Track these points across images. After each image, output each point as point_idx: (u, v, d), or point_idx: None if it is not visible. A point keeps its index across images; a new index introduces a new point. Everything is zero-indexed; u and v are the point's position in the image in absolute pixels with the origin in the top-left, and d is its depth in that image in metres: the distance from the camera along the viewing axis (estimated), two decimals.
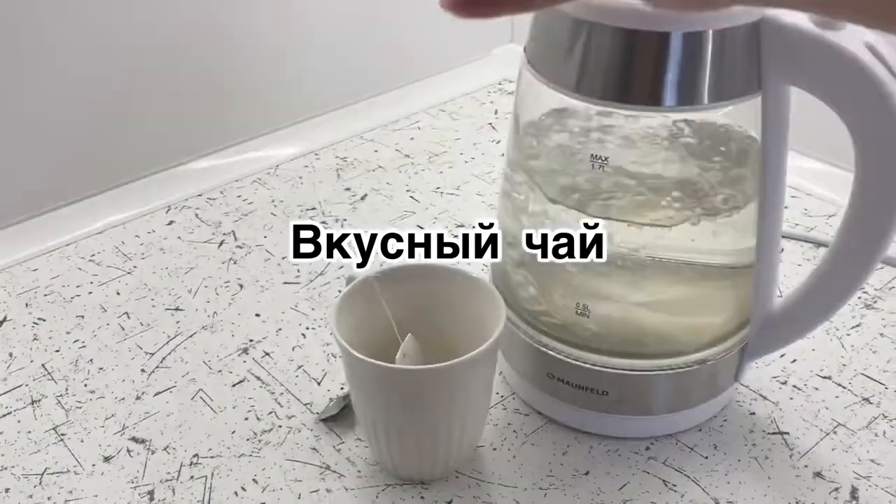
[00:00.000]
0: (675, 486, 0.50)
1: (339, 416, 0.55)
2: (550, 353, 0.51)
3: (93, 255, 0.71)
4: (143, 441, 0.54)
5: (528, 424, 0.54)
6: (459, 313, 0.51)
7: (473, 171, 0.81)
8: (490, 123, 0.88)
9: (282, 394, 0.57)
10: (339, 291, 0.64)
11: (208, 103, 0.81)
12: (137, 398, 0.57)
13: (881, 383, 0.56)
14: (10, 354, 0.61)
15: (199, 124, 0.81)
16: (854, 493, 0.49)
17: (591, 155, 0.46)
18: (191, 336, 0.62)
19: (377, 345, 0.49)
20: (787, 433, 0.53)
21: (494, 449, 0.52)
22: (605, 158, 0.46)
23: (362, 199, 0.77)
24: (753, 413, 0.54)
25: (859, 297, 0.63)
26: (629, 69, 0.42)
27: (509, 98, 0.93)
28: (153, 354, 0.61)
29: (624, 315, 0.50)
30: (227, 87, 0.82)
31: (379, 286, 0.51)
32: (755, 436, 0.53)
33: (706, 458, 0.52)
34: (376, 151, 0.84)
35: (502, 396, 0.56)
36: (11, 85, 0.70)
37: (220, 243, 0.72)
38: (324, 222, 0.74)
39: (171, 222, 0.75)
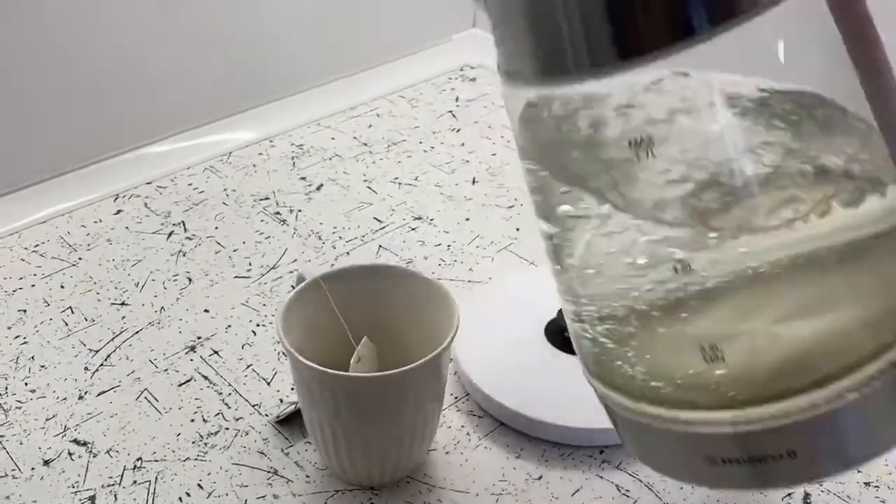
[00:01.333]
0: (628, 491, 0.49)
1: (289, 419, 0.53)
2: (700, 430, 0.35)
3: (36, 245, 0.69)
4: (85, 443, 0.52)
5: (482, 427, 0.53)
6: (414, 317, 0.49)
7: (432, 160, 0.79)
8: (450, 111, 0.87)
9: (230, 394, 0.56)
10: (292, 287, 0.62)
11: (160, 87, 0.79)
12: (80, 398, 0.55)
13: None
14: None
15: (150, 109, 0.78)
16: (807, 498, 0.49)
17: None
18: (137, 332, 0.60)
19: (330, 348, 0.48)
20: None
21: (447, 452, 0.52)
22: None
23: (318, 188, 0.75)
24: None
25: None
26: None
27: (470, 85, 0.91)
28: (97, 352, 0.59)
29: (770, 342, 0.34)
30: (179, 70, 0.80)
31: (328, 287, 0.49)
32: None
33: None
34: (333, 139, 0.83)
35: (456, 398, 0.55)
36: None
37: (170, 234, 0.70)
38: (277, 213, 0.72)
39: (118, 211, 0.73)
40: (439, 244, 0.69)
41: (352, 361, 0.48)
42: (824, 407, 0.33)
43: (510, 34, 0.34)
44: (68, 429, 0.53)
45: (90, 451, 0.52)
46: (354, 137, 0.83)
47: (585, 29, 0.31)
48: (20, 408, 0.55)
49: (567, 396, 0.53)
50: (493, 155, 0.79)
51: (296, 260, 0.67)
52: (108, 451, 0.52)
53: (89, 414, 0.54)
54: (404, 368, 0.43)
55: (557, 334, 0.56)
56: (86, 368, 0.58)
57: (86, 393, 0.56)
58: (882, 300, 0.35)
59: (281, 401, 0.55)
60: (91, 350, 0.59)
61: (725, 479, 0.36)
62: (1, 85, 0.70)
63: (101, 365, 0.58)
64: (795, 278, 0.34)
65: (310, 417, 0.47)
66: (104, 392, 0.56)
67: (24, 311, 0.62)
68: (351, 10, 0.89)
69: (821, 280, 0.34)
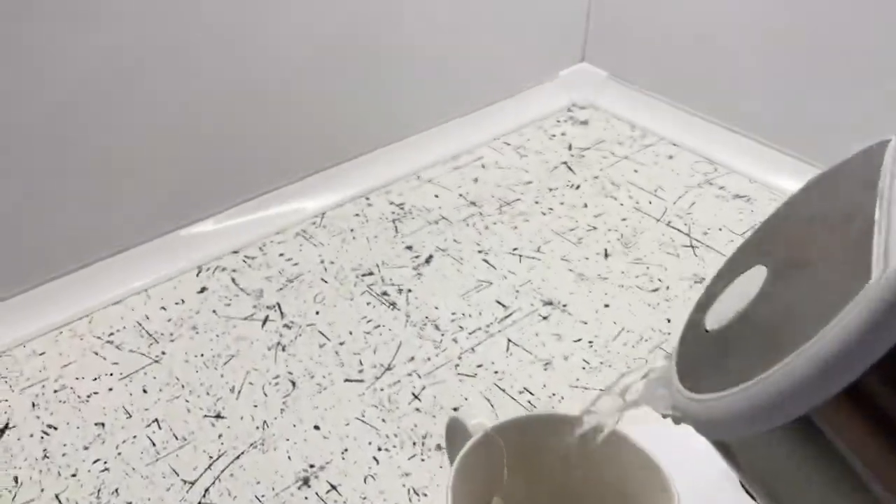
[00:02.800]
0: None
1: None
2: None
3: (111, 334, 0.59)
4: None
5: None
6: (610, 491, 0.39)
7: (553, 226, 0.69)
8: (565, 162, 0.76)
9: None
10: (414, 397, 0.53)
11: (241, 143, 0.69)
12: None
13: None
14: (16, 480, 0.50)
15: (232, 168, 0.68)
16: None
17: None
18: (237, 457, 0.51)
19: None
20: None
21: None
22: None
23: (427, 261, 0.65)
24: None
25: None
26: None
27: (582, 129, 0.81)
28: (193, 484, 0.49)
29: None
30: (260, 125, 0.70)
31: (502, 441, 0.40)
32: None
33: None
34: (437, 196, 0.73)
35: None
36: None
37: (265, 320, 0.60)
38: (385, 293, 0.62)
39: (203, 289, 0.63)
40: (578, 339, 0.59)
41: None
42: None
43: None
44: None
45: None
46: (460, 195, 0.73)
47: None
48: None
49: None
50: (623, 220, 0.69)
51: (413, 358, 0.57)
52: None
53: None
54: None
55: None
56: None
57: None
58: None
59: None
60: (185, 481, 0.50)
61: None
62: (64, 152, 0.60)
63: (200, 503, 0.48)
64: None
65: None
66: None
67: (103, 424, 0.53)
68: (445, 52, 0.79)
69: None
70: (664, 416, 0.30)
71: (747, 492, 0.46)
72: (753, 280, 0.28)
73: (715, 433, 0.26)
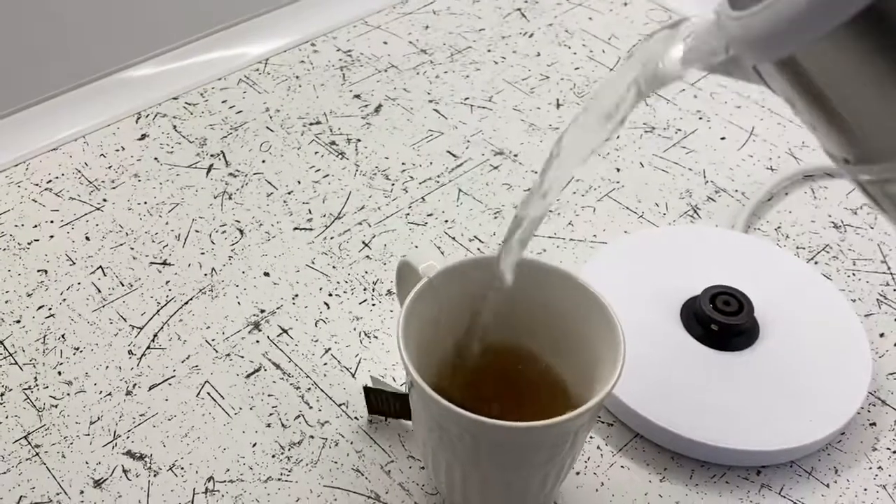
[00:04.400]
0: None
1: (376, 402, 0.45)
2: None
3: (49, 181, 0.57)
4: (141, 457, 0.43)
5: (615, 438, 0.45)
6: (558, 331, 0.40)
7: (505, 75, 0.68)
8: (518, 9, 0.74)
9: (309, 389, 0.47)
10: (365, 245, 0.53)
11: None
12: (128, 393, 0.46)
13: None
14: None
15: (169, 10, 0.65)
16: None
17: None
18: (186, 303, 0.50)
19: (433, 348, 0.39)
20: None
21: (578, 474, 0.44)
22: None
23: (376, 110, 0.64)
24: (874, 424, 0.46)
25: None
26: None
27: None
28: (141, 329, 0.49)
29: None
30: None
31: (443, 285, 0.40)
32: (879, 455, 0.45)
33: (827, 485, 0.44)
34: (386, 43, 0.70)
35: None
36: None
37: (209, 168, 0.59)
38: (333, 143, 0.61)
39: (143, 136, 0.61)
40: (528, 189, 0.58)
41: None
42: None
43: None
44: (119, 436, 0.44)
45: (149, 468, 0.43)
46: (411, 42, 0.70)
47: None
48: (56, 406, 0.45)
49: (717, 405, 0.45)
50: (577, 69, 0.68)
51: (363, 207, 0.56)
52: (171, 468, 0.43)
53: (142, 416, 0.45)
54: (567, 416, 0.34)
55: (696, 321, 0.47)
56: (130, 352, 0.48)
57: (134, 386, 0.46)
58: None
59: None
60: (133, 327, 0.49)
61: None
62: None
63: (149, 347, 0.48)
64: None
65: (434, 457, 0.39)
66: (157, 385, 0.47)
67: (45, 271, 0.52)
68: None
69: None
70: (711, 70, 0.28)
71: None
72: None
73: (785, 40, 0.24)
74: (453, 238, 0.55)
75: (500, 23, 0.73)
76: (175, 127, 0.62)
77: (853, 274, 0.53)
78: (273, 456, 0.44)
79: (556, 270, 0.40)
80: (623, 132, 0.62)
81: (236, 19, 0.69)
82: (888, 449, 0.45)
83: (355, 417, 0.45)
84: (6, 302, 0.50)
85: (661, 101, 0.65)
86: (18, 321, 0.49)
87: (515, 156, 0.61)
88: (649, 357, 0.46)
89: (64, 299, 0.50)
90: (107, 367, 0.47)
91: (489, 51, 0.70)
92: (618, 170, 0.60)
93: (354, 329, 0.50)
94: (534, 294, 0.40)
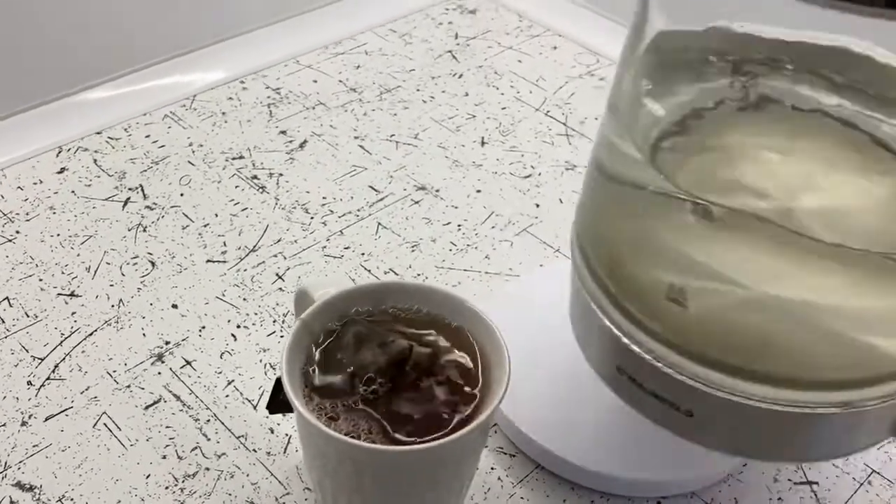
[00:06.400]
0: None
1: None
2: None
3: None
4: (31, 488, 0.42)
5: (516, 469, 0.45)
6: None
7: (433, 114, 0.68)
8: (450, 51, 0.75)
9: (208, 421, 0.46)
10: (278, 277, 0.52)
11: (111, 17, 0.66)
12: (23, 424, 0.45)
13: None
14: None
15: (98, 43, 0.65)
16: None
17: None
18: (91, 334, 0.50)
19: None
20: (817, 483, 0.45)
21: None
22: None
23: (301, 146, 0.64)
24: None
25: None
26: None
27: (470, 18, 0.79)
28: (43, 360, 0.48)
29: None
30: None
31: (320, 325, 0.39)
32: (780, 486, 0.45)
33: None
34: (315, 82, 0.71)
35: None
36: None
37: (126, 202, 0.58)
38: (255, 177, 0.61)
39: (62, 170, 0.61)
40: (448, 223, 0.59)
41: None
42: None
43: None
44: (10, 467, 0.43)
45: (38, 500, 0.42)
46: (340, 81, 0.71)
47: None
48: None
49: (617, 435, 0.44)
50: (503, 109, 0.69)
51: (280, 240, 0.56)
52: (60, 500, 0.42)
53: (35, 447, 0.44)
54: (448, 439, 0.34)
55: None
56: (29, 382, 0.47)
57: (30, 417, 0.46)
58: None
59: (271, 430, 0.46)
60: (35, 357, 0.48)
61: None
62: None
63: (49, 378, 0.47)
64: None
65: (320, 483, 0.38)
66: (53, 416, 0.46)
67: None
68: None
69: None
70: None
71: None
72: None
73: None
74: (369, 270, 0.55)
75: (431, 63, 0.74)
76: (95, 161, 0.61)
77: None
78: (166, 488, 0.43)
79: (451, 295, 0.40)
80: (544, 169, 0.63)
81: (166, 55, 0.69)
82: (789, 480, 0.45)
83: (253, 450, 0.45)
84: None
85: (584, 140, 0.66)
86: None
87: (437, 191, 0.61)
88: (551, 388, 0.46)
89: None
90: (3, 397, 0.46)
91: (418, 90, 0.71)
92: (537, 205, 0.60)
93: (260, 361, 0.49)
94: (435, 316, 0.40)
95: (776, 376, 0.33)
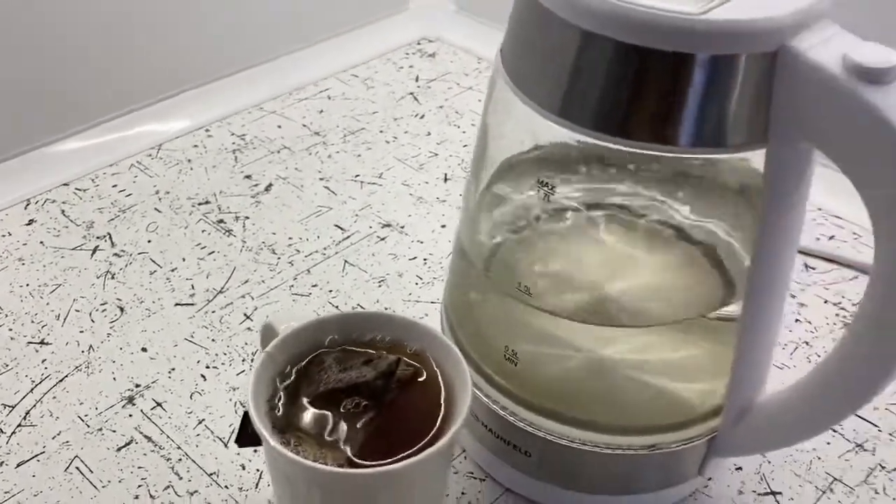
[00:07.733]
0: None
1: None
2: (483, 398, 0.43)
3: None
4: None
5: (486, 495, 0.45)
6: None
7: (396, 153, 0.70)
8: (411, 93, 0.77)
9: (179, 460, 0.46)
10: (246, 317, 0.53)
11: (72, 73, 0.67)
12: None
13: (874, 424, 0.50)
14: None
15: (62, 98, 0.67)
16: None
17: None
18: (61, 380, 0.50)
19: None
20: (780, 493, 0.46)
21: None
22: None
23: (267, 189, 0.65)
24: (740, 468, 0.47)
25: (836, 315, 0.57)
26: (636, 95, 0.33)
27: (430, 62, 0.82)
28: (13, 408, 0.49)
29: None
30: (96, 51, 0.68)
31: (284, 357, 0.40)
32: (745, 499, 0.46)
33: None
34: (280, 127, 0.72)
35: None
36: None
37: (94, 250, 0.59)
38: (221, 221, 0.62)
39: (30, 221, 0.61)
40: (414, 258, 0.60)
41: None
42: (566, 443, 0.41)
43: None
44: None
45: None
46: (304, 125, 0.73)
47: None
48: None
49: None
50: (465, 146, 0.71)
51: (247, 281, 0.57)
52: None
53: (7, 493, 0.44)
54: (412, 460, 0.35)
55: None
56: (0, 430, 0.47)
57: (2, 464, 0.46)
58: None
59: (243, 466, 0.46)
60: (5, 405, 0.49)
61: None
62: None
63: (20, 425, 0.48)
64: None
65: None
66: (25, 462, 0.46)
67: None
68: None
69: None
70: None
71: None
72: None
73: None
74: (336, 307, 0.56)
75: (393, 106, 0.76)
76: (63, 211, 0.62)
77: None
78: None
79: (410, 321, 0.41)
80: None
81: (130, 106, 0.70)
82: (753, 491, 0.46)
83: (225, 486, 0.45)
84: None
85: None
86: None
87: (402, 227, 0.62)
88: None
89: None
90: None
91: (381, 131, 0.72)
92: None
93: (230, 399, 0.50)
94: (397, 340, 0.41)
95: (594, 423, 0.40)
